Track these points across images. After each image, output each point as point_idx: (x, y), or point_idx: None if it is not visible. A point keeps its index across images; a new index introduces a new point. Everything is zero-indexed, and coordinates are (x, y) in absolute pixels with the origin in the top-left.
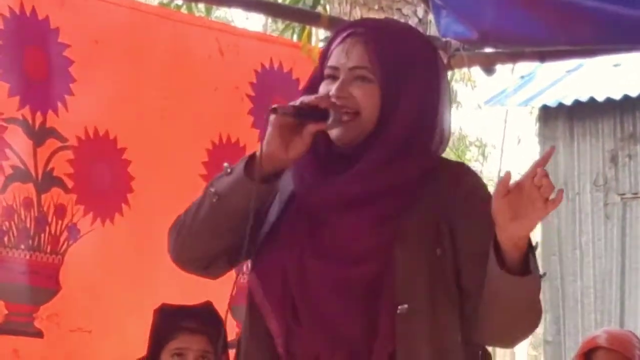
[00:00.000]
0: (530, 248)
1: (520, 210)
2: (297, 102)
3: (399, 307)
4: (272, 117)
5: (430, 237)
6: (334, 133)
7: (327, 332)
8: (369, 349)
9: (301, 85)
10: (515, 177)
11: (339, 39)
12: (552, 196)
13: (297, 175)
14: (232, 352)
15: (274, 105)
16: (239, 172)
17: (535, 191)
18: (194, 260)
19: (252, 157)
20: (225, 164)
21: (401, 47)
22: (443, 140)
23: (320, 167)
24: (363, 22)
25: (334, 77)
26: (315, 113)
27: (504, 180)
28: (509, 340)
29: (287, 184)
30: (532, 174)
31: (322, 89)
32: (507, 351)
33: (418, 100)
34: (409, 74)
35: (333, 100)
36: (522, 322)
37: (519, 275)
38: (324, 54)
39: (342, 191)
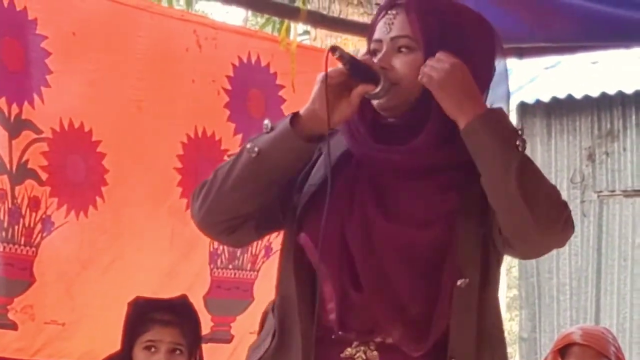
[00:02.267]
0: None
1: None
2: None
3: (460, 280)
4: (321, 75)
5: (485, 211)
6: (376, 102)
7: (388, 299)
8: (427, 319)
9: (279, 80)
10: None
11: (382, 12)
12: None
13: (353, 140)
14: (205, 346)
15: (334, 44)
16: (284, 127)
17: None
18: (221, 222)
19: (296, 115)
20: (266, 122)
21: (448, 17)
22: None
23: (371, 134)
24: None
25: (376, 51)
26: (367, 74)
27: None
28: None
29: (335, 149)
30: None
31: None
32: None
33: (472, 70)
34: (457, 44)
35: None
36: (535, 206)
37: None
38: (370, 31)
39: (407, 161)
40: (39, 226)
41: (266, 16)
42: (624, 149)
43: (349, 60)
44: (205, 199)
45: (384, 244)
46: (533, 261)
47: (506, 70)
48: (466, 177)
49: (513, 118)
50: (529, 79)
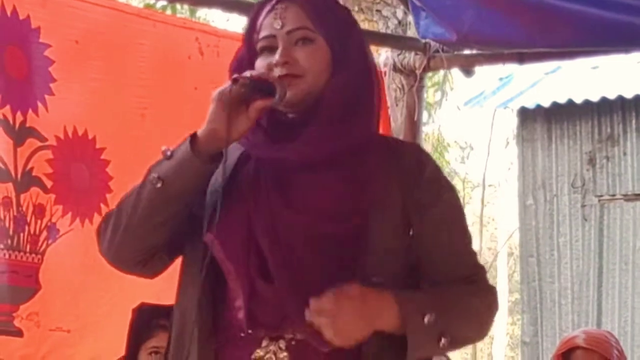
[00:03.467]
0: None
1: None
2: (247, 74)
3: (374, 278)
4: (216, 93)
5: (401, 214)
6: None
7: (298, 291)
8: None
9: None
10: (494, 180)
11: (266, 9)
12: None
13: (247, 142)
14: None
15: (235, 76)
16: (185, 152)
17: None
18: (133, 258)
19: (193, 137)
20: (164, 147)
21: (335, 7)
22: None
23: (267, 134)
24: None
25: (270, 48)
26: (263, 89)
27: None
28: None
29: (231, 150)
30: None
31: (260, 63)
32: (485, 351)
33: (364, 61)
34: (346, 32)
35: (278, 72)
36: None
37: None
38: (251, 30)
39: (299, 156)
40: (44, 233)
41: None
42: (625, 153)
43: (247, 84)
44: (113, 236)
45: (292, 236)
46: (535, 266)
47: None
48: (372, 173)
49: (514, 123)
50: (529, 84)
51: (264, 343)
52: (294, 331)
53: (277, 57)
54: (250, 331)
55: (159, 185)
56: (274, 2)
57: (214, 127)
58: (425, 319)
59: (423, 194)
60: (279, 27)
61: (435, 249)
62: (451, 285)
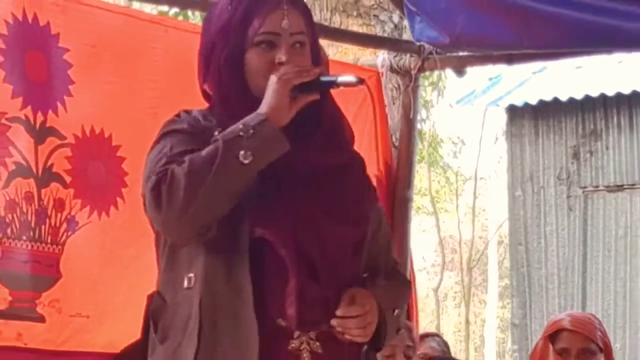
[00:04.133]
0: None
1: None
2: (334, 78)
3: (365, 274)
4: (282, 80)
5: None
6: None
7: (337, 290)
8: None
9: None
10: (485, 173)
11: (269, 5)
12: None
13: None
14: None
15: (318, 72)
16: (273, 130)
17: None
18: (202, 227)
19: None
20: (241, 126)
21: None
22: None
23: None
24: None
25: (270, 43)
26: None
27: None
28: None
29: None
30: None
31: (263, 54)
32: (477, 333)
33: (327, 67)
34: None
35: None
36: None
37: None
38: (248, 18)
39: (329, 158)
40: (64, 226)
41: None
42: (607, 148)
43: (321, 83)
44: (186, 205)
45: (331, 239)
46: (523, 253)
47: None
48: (368, 177)
49: (503, 119)
50: (517, 83)
51: (296, 334)
52: (330, 326)
53: (283, 56)
54: (284, 324)
55: (248, 160)
56: (278, 2)
57: (279, 110)
58: (395, 312)
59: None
60: (286, 27)
61: (383, 249)
62: (391, 275)
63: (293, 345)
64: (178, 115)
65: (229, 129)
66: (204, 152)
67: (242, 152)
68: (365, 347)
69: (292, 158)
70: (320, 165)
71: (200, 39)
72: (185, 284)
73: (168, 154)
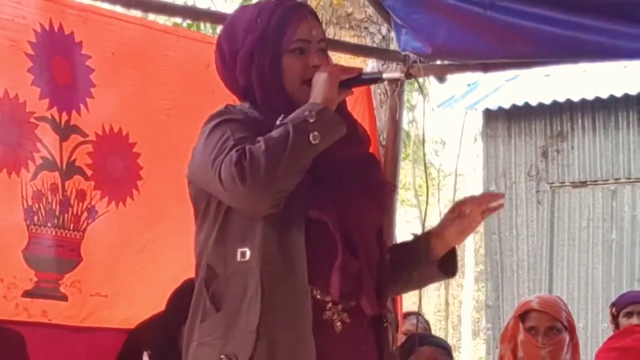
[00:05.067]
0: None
1: (464, 229)
2: (354, 74)
3: (388, 255)
4: (328, 78)
5: None
6: None
7: (370, 268)
8: (378, 286)
9: None
10: (464, 170)
11: (298, 16)
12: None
13: None
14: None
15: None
16: (334, 117)
17: (478, 213)
18: (278, 199)
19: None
20: (306, 112)
21: None
22: None
23: None
24: (303, 2)
25: (302, 50)
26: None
27: (457, 206)
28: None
29: None
30: (476, 202)
31: (298, 59)
32: (455, 313)
33: None
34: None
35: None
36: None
37: (449, 276)
38: (282, 28)
39: (353, 151)
40: (85, 214)
41: None
42: (572, 147)
43: (364, 79)
44: (269, 179)
45: (364, 221)
46: (497, 241)
47: None
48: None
49: (480, 122)
50: (492, 89)
51: (328, 306)
52: (360, 299)
53: (315, 60)
54: (319, 296)
55: (317, 141)
56: (304, 12)
57: (331, 100)
58: None
59: None
60: (315, 35)
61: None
62: None
63: (327, 315)
64: (227, 108)
65: (293, 115)
66: (275, 134)
67: (313, 134)
68: (387, 321)
69: (329, 150)
70: (351, 155)
71: (226, 48)
72: (239, 257)
73: (233, 137)
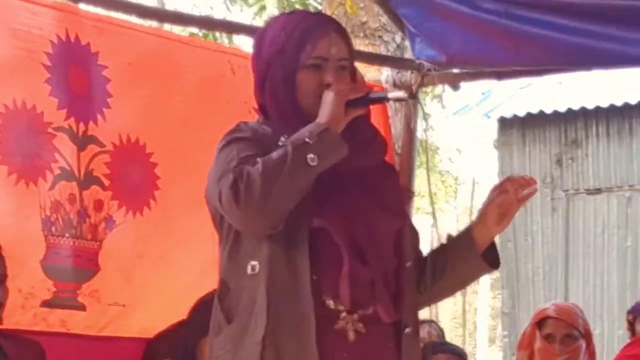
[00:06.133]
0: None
1: (505, 213)
2: (361, 93)
3: (408, 263)
4: (335, 98)
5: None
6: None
7: (381, 276)
8: (396, 294)
9: None
10: (476, 178)
11: (319, 32)
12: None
13: None
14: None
15: (377, 96)
16: (336, 137)
17: (515, 196)
18: (277, 221)
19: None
20: (307, 133)
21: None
22: None
23: None
24: (332, 18)
25: (318, 66)
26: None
27: (497, 187)
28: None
29: None
30: (515, 182)
31: (311, 77)
32: (470, 320)
33: None
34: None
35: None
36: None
37: (493, 268)
38: (301, 44)
39: (367, 160)
40: (102, 224)
41: None
42: (586, 155)
43: (369, 99)
44: (263, 201)
45: (379, 228)
46: (512, 249)
47: None
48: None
49: (494, 129)
50: (507, 97)
51: (342, 315)
52: (375, 307)
53: (329, 78)
54: (332, 305)
55: (315, 163)
56: (327, 29)
57: (336, 120)
58: None
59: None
60: (334, 53)
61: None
62: None
63: (340, 325)
64: (238, 126)
65: (295, 136)
66: (274, 155)
67: (310, 156)
68: (408, 329)
69: (339, 160)
70: (361, 166)
71: (253, 59)
72: (249, 271)
73: (237, 158)
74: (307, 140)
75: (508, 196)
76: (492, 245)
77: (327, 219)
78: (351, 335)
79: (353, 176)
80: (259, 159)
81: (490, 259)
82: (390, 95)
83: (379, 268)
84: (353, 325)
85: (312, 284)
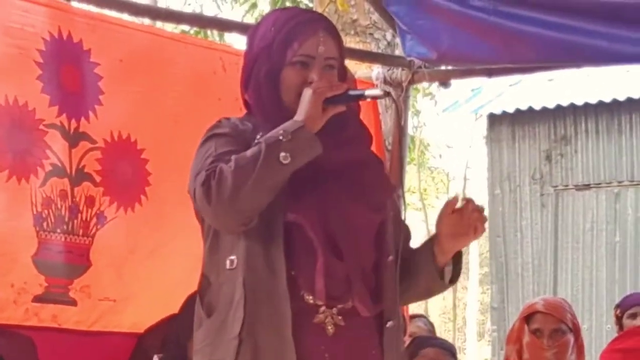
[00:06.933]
0: (458, 259)
1: (458, 230)
2: (340, 91)
3: (390, 257)
4: (316, 92)
5: (393, 208)
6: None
7: (359, 270)
8: (375, 287)
9: None
10: (467, 175)
11: (308, 31)
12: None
13: None
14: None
15: (355, 93)
16: (309, 135)
17: (473, 218)
18: (247, 217)
19: (301, 124)
20: (281, 131)
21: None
22: None
23: None
24: (323, 16)
25: (304, 64)
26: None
27: (451, 202)
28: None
29: None
30: (472, 205)
31: (295, 74)
32: (460, 315)
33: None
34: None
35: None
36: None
37: (449, 283)
38: (288, 41)
39: (352, 155)
40: (94, 220)
41: None
42: (575, 151)
43: (349, 96)
44: (234, 198)
45: (354, 222)
46: (501, 244)
47: None
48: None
49: (484, 126)
50: (496, 94)
51: (321, 309)
52: (352, 301)
53: (314, 76)
54: (311, 300)
55: (287, 161)
56: (317, 27)
57: (313, 118)
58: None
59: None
60: (321, 52)
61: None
62: None
63: (318, 318)
64: (219, 122)
65: (270, 134)
66: (248, 153)
67: (282, 154)
68: (390, 322)
69: (321, 155)
70: (343, 160)
71: (244, 55)
72: (228, 265)
73: (214, 154)
74: (280, 138)
75: (458, 217)
76: (458, 257)
77: (301, 213)
78: (330, 329)
79: (334, 170)
80: (232, 157)
81: (454, 273)
82: (368, 92)
83: (355, 262)
84: (332, 319)
85: (290, 278)
